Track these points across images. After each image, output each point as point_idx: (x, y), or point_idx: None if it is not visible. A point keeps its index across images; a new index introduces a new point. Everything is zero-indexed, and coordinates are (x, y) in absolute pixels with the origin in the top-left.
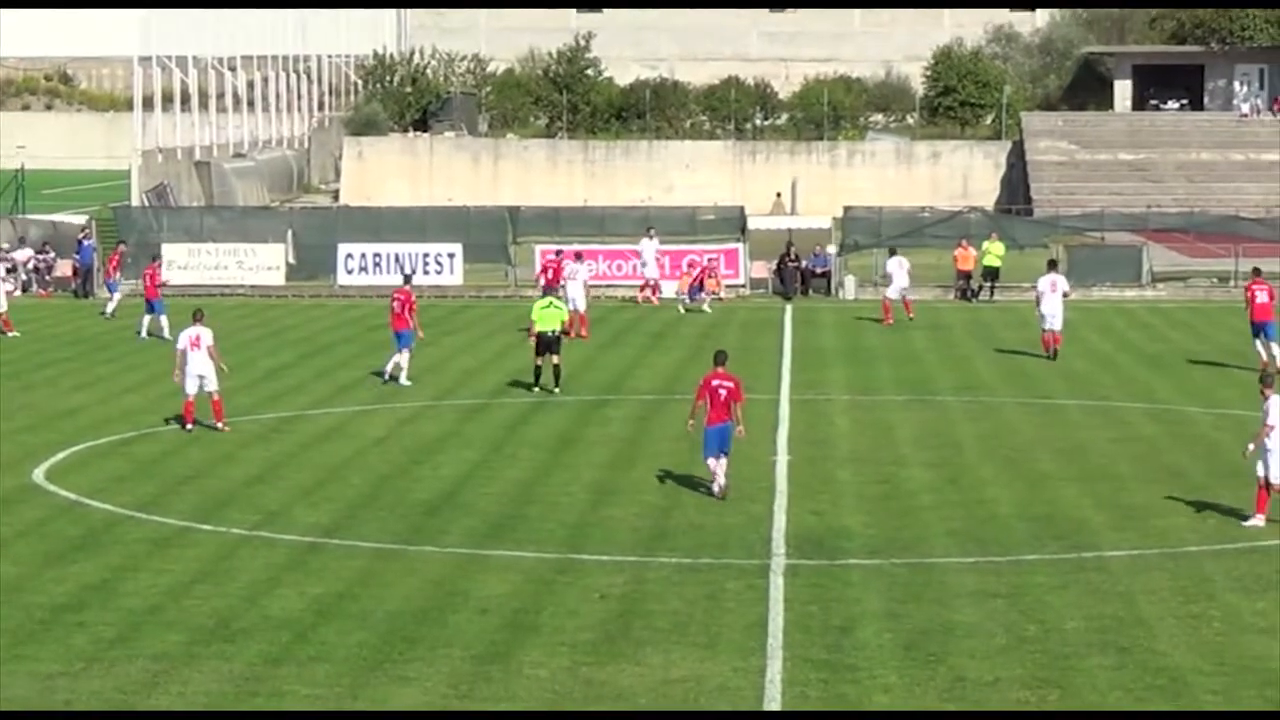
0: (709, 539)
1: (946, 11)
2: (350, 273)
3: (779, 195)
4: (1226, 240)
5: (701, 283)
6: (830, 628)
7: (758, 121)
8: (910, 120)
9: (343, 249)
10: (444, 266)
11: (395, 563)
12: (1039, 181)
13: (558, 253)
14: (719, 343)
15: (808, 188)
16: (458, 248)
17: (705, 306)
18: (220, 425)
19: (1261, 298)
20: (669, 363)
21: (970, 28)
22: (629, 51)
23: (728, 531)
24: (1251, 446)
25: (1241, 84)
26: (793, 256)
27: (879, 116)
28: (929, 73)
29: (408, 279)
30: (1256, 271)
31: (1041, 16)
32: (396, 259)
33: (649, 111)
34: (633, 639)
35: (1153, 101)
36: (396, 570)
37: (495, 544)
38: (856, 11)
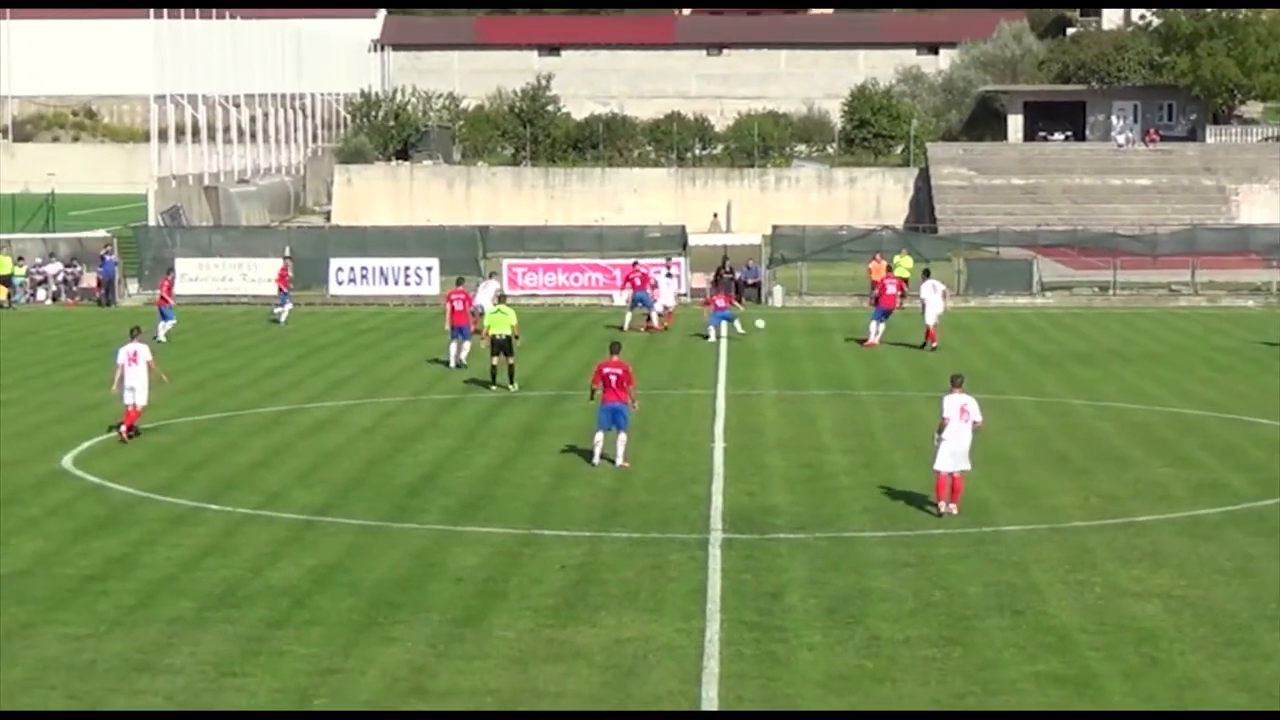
0: (655, 516)
1: (861, 53)
2: (340, 284)
3: (715, 215)
4: (1105, 254)
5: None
6: (762, 594)
7: (697, 151)
8: (830, 150)
9: (334, 263)
10: (423, 278)
11: (381, 538)
12: (942, 203)
13: (635, 264)
14: (663, 344)
15: (740, 209)
16: (435, 262)
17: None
18: (123, 433)
19: (890, 289)
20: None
21: (882, 69)
22: (584, 90)
23: (672, 510)
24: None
25: (1118, 118)
26: (727, 269)
27: (803, 147)
28: (846, 108)
29: (460, 281)
30: (926, 273)
31: (944, 59)
32: (381, 272)
33: (602, 142)
34: (589, 604)
35: (1041, 133)
36: (382, 544)
37: (468, 521)
38: (783, 54)
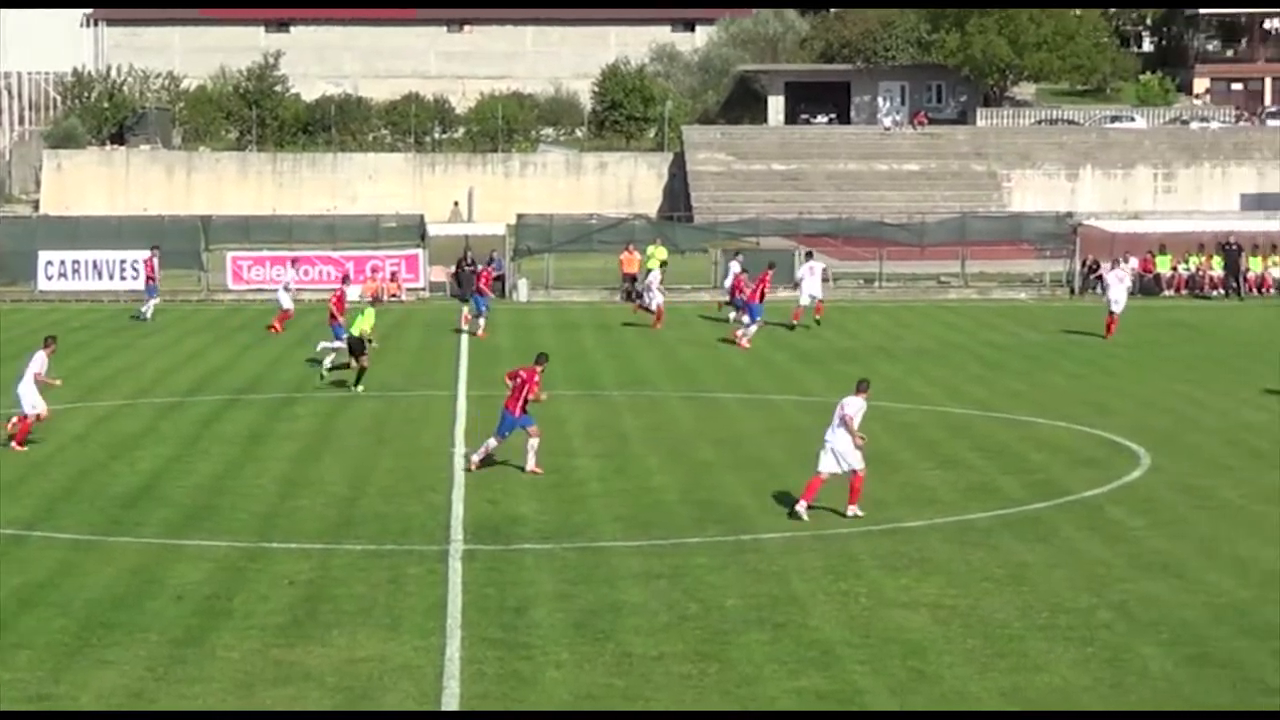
0: (392, 526)
1: (613, 30)
2: (50, 279)
3: (456, 204)
4: (871, 244)
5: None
6: (506, 608)
7: (436, 135)
8: (579, 134)
9: (42, 256)
10: (139, 273)
11: (94, 553)
12: (699, 190)
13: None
14: (401, 342)
15: (483, 196)
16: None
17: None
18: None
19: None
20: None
21: (635, 47)
22: (315, 69)
23: (409, 519)
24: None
25: (884, 100)
26: (469, 261)
27: (550, 130)
28: (596, 89)
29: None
30: (809, 254)
31: (701, 37)
32: (95, 266)
33: (334, 126)
34: (320, 622)
35: (803, 116)
36: (95, 560)
37: (190, 534)
38: (529, 31)
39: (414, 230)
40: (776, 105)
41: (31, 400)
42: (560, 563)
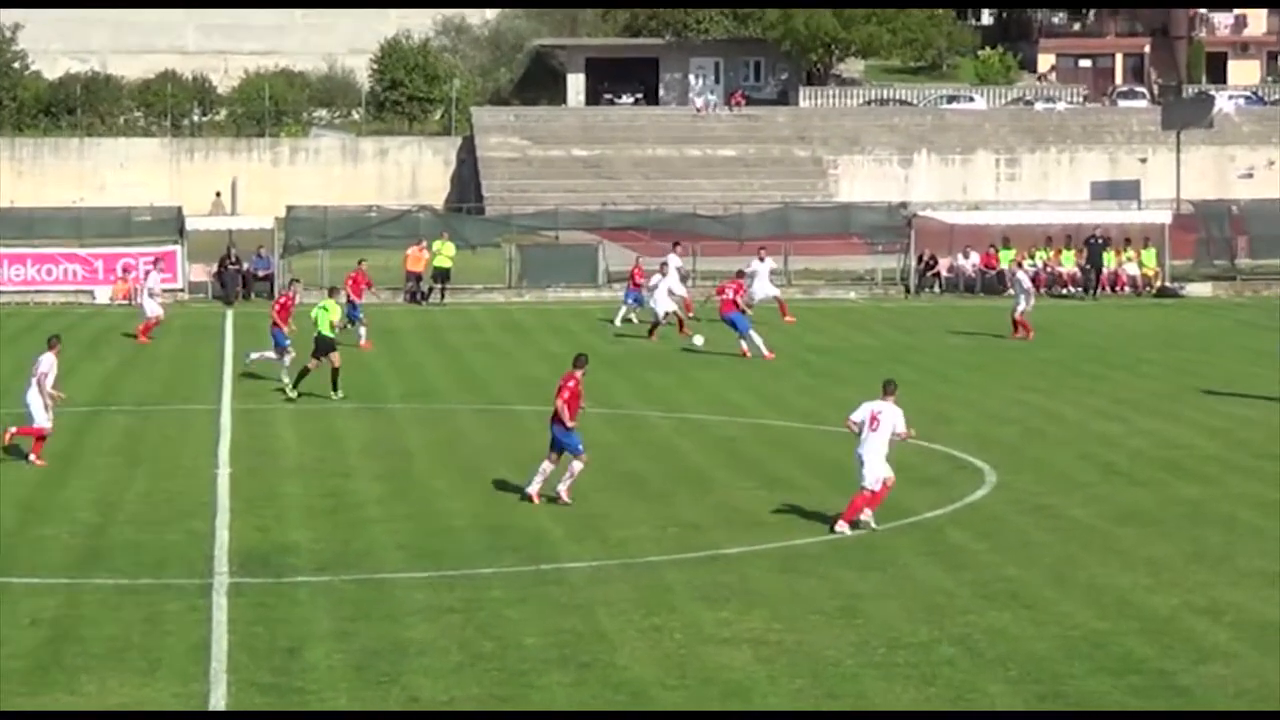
0: (147, 558)
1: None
2: None
3: (218, 195)
4: (684, 238)
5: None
6: (277, 649)
7: (196, 117)
8: (356, 116)
9: None
10: None
11: None
12: (490, 179)
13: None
14: (159, 349)
15: (249, 186)
16: None
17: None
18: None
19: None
20: (101, 372)
21: (418, 19)
22: (57, 45)
23: (167, 549)
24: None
25: (697, 78)
26: (233, 259)
27: (323, 112)
28: (375, 66)
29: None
30: (762, 250)
31: (491, 9)
32: None
33: (80, 107)
34: (66, 666)
35: (607, 96)
36: None
37: None
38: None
39: (171, 224)
40: (576, 84)
41: (40, 415)
42: (338, 596)
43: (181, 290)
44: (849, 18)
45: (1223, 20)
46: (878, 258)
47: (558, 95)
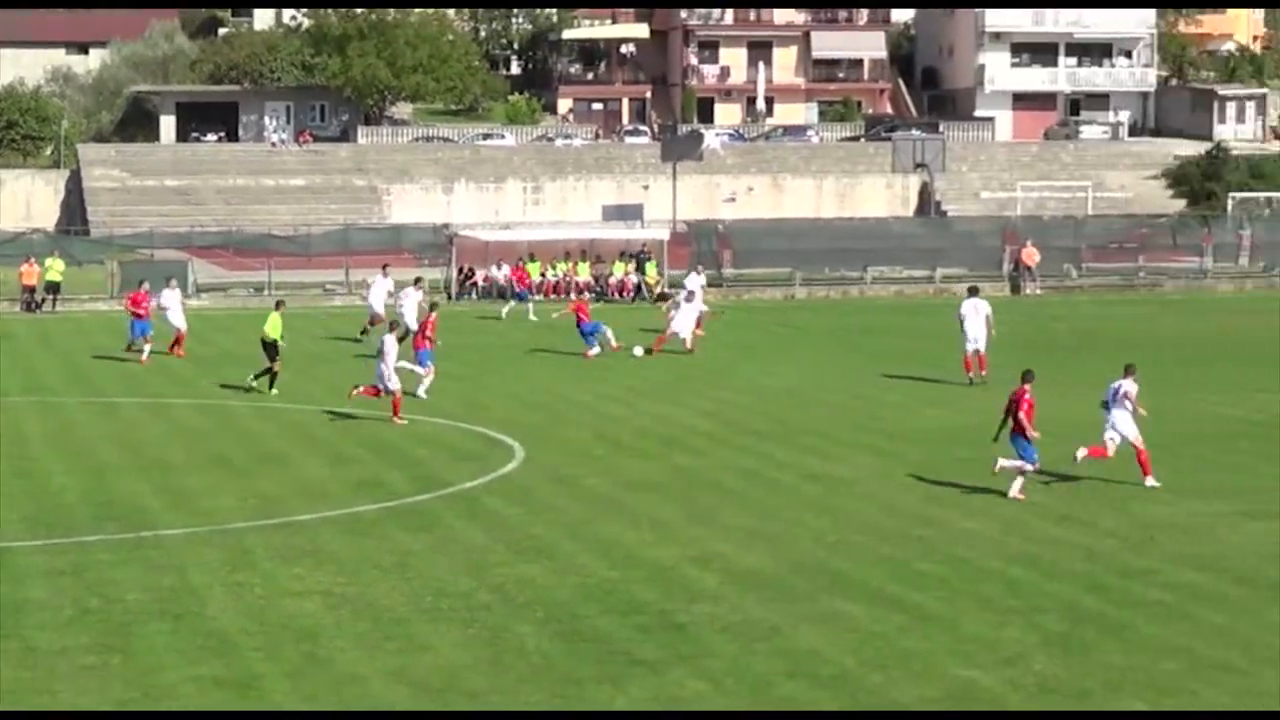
0: None
1: (6, 53)
2: None
3: None
4: (261, 255)
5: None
6: None
7: None
8: None
9: None
10: None
11: None
12: (95, 205)
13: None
14: None
15: None
16: None
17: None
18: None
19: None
20: None
21: (31, 69)
22: None
23: None
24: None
25: (271, 119)
26: None
27: None
28: None
29: (434, 306)
30: (700, 268)
31: (95, 59)
32: None
33: None
34: None
35: (195, 134)
36: None
37: None
38: None
39: None
40: (168, 124)
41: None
42: None
43: None
44: (400, 68)
45: (710, 71)
46: (425, 270)
47: (152, 133)
